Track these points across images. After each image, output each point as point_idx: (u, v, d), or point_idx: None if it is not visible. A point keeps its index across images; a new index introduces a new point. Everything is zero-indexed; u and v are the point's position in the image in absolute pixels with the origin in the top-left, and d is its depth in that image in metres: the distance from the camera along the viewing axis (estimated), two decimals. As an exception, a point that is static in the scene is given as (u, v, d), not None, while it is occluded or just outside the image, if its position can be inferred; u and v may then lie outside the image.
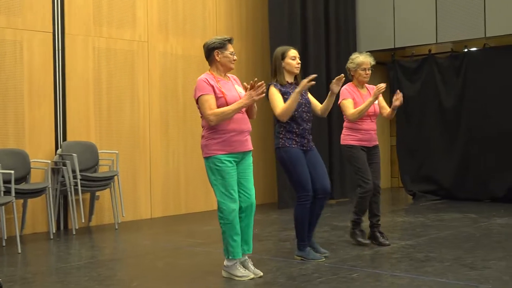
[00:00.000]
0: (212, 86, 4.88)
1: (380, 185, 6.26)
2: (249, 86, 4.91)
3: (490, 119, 9.52)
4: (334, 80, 5.73)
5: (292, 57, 5.60)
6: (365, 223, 6.33)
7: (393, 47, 10.29)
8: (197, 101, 4.93)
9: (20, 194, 6.72)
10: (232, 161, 4.93)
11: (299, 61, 5.65)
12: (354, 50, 10.57)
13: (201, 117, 5.00)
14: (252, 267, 5.05)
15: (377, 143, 6.34)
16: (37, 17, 7.53)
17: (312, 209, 5.58)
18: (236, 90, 5.02)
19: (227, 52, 4.99)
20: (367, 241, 6.25)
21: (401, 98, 6.27)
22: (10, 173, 6.50)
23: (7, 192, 6.53)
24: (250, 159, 5.07)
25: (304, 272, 5.11)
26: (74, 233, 7.32)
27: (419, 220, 7.87)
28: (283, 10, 9.55)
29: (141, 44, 8.51)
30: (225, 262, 5.01)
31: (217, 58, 4.98)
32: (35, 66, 7.50)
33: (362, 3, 10.64)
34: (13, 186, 6.50)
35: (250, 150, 5.06)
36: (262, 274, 5.00)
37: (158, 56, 8.70)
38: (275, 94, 5.47)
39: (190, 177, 8.91)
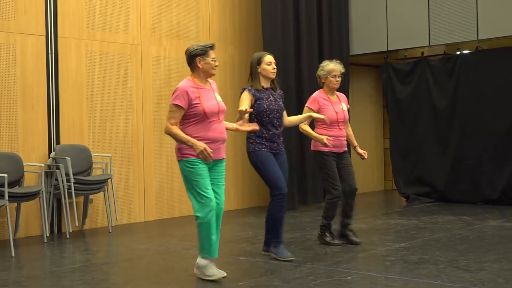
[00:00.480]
0: (189, 100, 4.95)
1: (356, 187, 6.44)
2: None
3: (483, 121, 9.56)
4: (316, 117, 6.04)
5: (268, 63, 5.74)
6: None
7: (386, 49, 10.32)
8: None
9: (13, 197, 6.69)
10: (204, 167, 5.02)
11: (275, 67, 5.78)
12: (347, 53, 10.62)
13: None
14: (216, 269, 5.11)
15: (346, 148, 6.53)
16: (30, 20, 7.51)
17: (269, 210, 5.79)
18: (216, 99, 5.10)
19: (209, 59, 5.07)
20: (339, 242, 6.41)
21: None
22: (4, 177, 6.47)
23: (0, 195, 6.50)
24: (222, 167, 5.17)
25: (298, 275, 5.12)
26: (68, 236, 7.30)
27: (412, 223, 7.89)
28: (276, 14, 9.56)
29: (134, 47, 8.50)
30: (198, 260, 5.08)
31: (199, 64, 5.06)
32: (28, 69, 7.49)
33: (355, 6, 10.68)
34: (6, 189, 6.47)
35: (223, 159, 5.15)
36: (225, 274, 5.07)
37: (152, 60, 8.69)
38: (244, 101, 5.64)
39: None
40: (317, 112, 6.29)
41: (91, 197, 7.90)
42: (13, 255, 6.26)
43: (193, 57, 5.07)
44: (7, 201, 6.44)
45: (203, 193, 4.94)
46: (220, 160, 5.12)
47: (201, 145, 4.83)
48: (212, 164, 5.04)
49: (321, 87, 6.57)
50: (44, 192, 7.08)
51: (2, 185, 6.48)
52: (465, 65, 9.77)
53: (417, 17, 9.90)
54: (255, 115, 5.70)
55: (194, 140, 4.86)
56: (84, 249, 6.83)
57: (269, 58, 5.77)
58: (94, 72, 8.08)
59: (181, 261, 5.98)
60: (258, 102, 5.67)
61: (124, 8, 8.41)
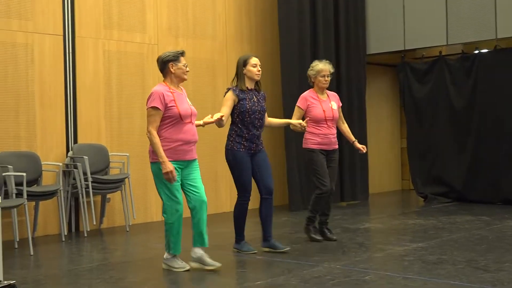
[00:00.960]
0: (165, 102, 5.24)
1: (334, 188, 6.65)
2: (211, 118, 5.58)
3: (501, 120, 9.47)
4: (298, 125, 6.18)
5: (253, 65, 5.97)
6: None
7: (403, 49, 10.26)
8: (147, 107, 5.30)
9: (32, 196, 6.74)
10: (177, 168, 5.30)
11: (260, 69, 6.01)
12: (364, 52, 10.57)
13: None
14: (209, 260, 5.39)
15: (337, 147, 6.70)
16: (48, 20, 7.56)
17: (260, 210, 6.12)
18: (188, 103, 5.42)
19: (180, 64, 5.40)
20: (320, 238, 6.64)
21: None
22: (22, 176, 6.52)
23: (19, 194, 6.56)
24: (195, 166, 5.48)
25: (316, 274, 5.10)
26: (85, 235, 7.34)
27: (430, 223, 7.84)
28: (292, 12, 9.54)
29: (151, 47, 8.52)
30: (165, 255, 5.43)
31: (171, 69, 5.38)
32: (46, 69, 7.53)
33: (371, 5, 10.62)
34: (25, 188, 6.52)
35: (195, 159, 5.46)
36: (220, 265, 5.35)
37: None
38: (227, 101, 5.91)
39: (205, 179, 8.88)
40: (305, 110, 6.58)
41: (108, 196, 7.93)
42: (32, 253, 6.30)
43: (165, 63, 5.38)
44: (26, 200, 6.48)
45: (172, 197, 5.30)
46: (193, 161, 5.44)
47: (169, 166, 5.17)
48: (186, 165, 5.37)
49: (312, 87, 6.77)
50: (62, 191, 7.12)
51: (21, 184, 6.53)
52: (483, 64, 9.69)
53: (434, 16, 9.83)
54: (237, 114, 5.93)
55: (166, 159, 5.18)
56: (102, 248, 6.86)
57: (255, 60, 5.99)
58: (111, 72, 8.11)
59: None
60: (241, 102, 5.90)
61: (141, 8, 8.43)
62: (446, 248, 6.12)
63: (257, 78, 6.00)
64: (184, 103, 5.36)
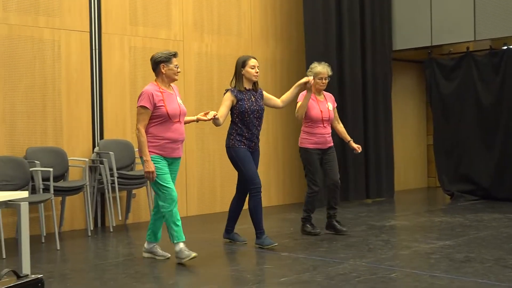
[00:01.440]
0: (154, 102, 5.46)
1: (339, 180, 6.81)
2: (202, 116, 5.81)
3: (530, 117, 9.33)
4: (304, 84, 6.37)
5: (252, 66, 6.15)
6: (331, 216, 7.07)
7: (430, 44, 10.15)
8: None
9: (58, 191, 6.81)
10: (165, 162, 5.58)
11: (258, 70, 6.18)
12: (390, 48, 10.48)
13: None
14: (160, 251, 5.81)
15: (332, 144, 6.90)
16: (75, 17, 7.61)
17: (240, 204, 6.45)
18: (177, 102, 5.62)
19: (171, 65, 5.58)
20: (318, 230, 6.83)
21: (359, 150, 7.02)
22: (49, 171, 6.58)
23: (46, 189, 6.62)
24: (178, 165, 5.75)
25: (341, 271, 5.07)
26: (111, 230, 7.38)
27: (457, 220, 7.75)
28: (318, 10, 9.49)
29: (176, 43, 8.54)
30: (176, 248, 5.53)
31: (162, 70, 5.57)
32: (72, 65, 7.59)
33: (398, 1, 10.52)
34: (52, 183, 6.59)
35: (180, 157, 5.71)
36: (169, 255, 5.73)
37: (193, 56, 8.72)
38: (226, 101, 6.11)
39: (225, 176, 8.92)
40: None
41: (134, 191, 7.97)
42: (58, 248, 6.36)
43: (157, 64, 5.57)
44: (53, 195, 6.55)
45: (166, 185, 5.49)
46: (178, 158, 5.69)
47: (151, 166, 5.42)
48: (170, 162, 5.61)
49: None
50: (88, 186, 7.17)
51: (48, 179, 6.59)
52: (512, 60, 9.55)
53: (462, 11, 9.71)
54: (236, 114, 6.14)
55: (149, 159, 5.43)
56: (127, 243, 6.90)
57: (253, 61, 6.16)
58: (136, 68, 8.14)
59: (223, 255, 5.99)
60: (240, 102, 6.10)
61: (166, 4, 8.45)
62: (473, 246, 6.05)
63: (255, 79, 6.18)
64: (173, 103, 5.55)
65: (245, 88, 6.17)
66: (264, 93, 6.39)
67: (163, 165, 5.53)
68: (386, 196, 10.29)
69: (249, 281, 4.94)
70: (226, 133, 6.31)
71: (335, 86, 9.59)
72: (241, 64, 6.17)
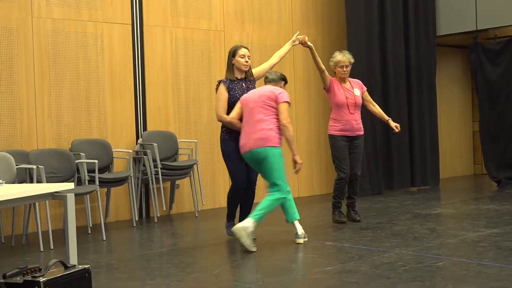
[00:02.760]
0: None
1: (359, 173, 6.90)
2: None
3: None
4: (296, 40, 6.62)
5: (241, 55, 6.11)
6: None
7: (475, 29, 9.92)
8: (278, 100, 5.76)
9: (103, 183, 6.90)
10: None
11: (248, 60, 6.13)
12: (434, 33, 10.29)
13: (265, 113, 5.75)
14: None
15: (361, 133, 6.89)
16: (117, 9, 7.67)
17: (245, 197, 6.21)
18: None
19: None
20: (345, 219, 6.88)
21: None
22: (94, 163, 6.67)
23: (92, 181, 6.71)
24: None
25: (387, 260, 5.01)
26: (155, 221, 7.45)
27: (505, 208, 7.59)
28: (360, -5, 9.36)
29: (217, 33, 8.54)
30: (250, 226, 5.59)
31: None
32: (115, 58, 7.66)
33: (441, -15, 10.31)
34: (97, 175, 6.67)
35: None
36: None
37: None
38: (221, 95, 6.05)
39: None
40: (327, 92, 6.87)
41: (177, 182, 8.03)
42: (104, 238, 6.45)
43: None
44: (98, 187, 6.63)
45: (284, 176, 5.74)
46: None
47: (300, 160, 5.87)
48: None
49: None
50: (132, 177, 7.24)
51: (93, 171, 6.68)
52: (561, 43, 9.28)
53: (508, -7, 9.46)
54: (229, 105, 6.03)
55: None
56: (172, 233, 6.96)
57: (243, 51, 6.12)
58: (178, 59, 8.17)
59: (266, 246, 5.98)
60: (230, 92, 6.04)
61: (207, -5, 8.45)
62: (522, 234, 5.91)
63: (244, 69, 6.12)
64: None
65: (236, 77, 6.13)
66: (253, 70, 6.30)
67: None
68: (432, 184, 10.13)
69: (294, 270, 4.92)
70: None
71: (378, 73, 9.47)
72: (232, 53, 6.14)
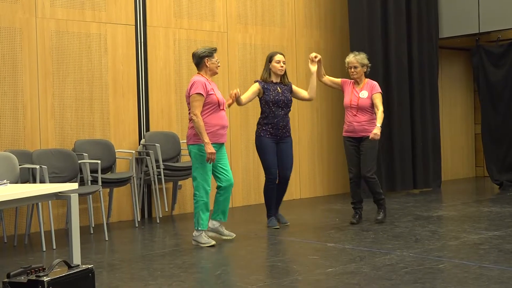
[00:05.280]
0: (206, 90, 5.88)
1: (368, 174, 6.88)
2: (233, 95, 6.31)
3: None
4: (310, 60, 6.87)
5: (277, 61, 6.68)
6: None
7: (477, 31, 9.93)
8: (189, 96, 5.91)
9: (106, 183, 6.92)
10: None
11: (283, 65, 6.68)
12: (437, 36, 10.30)
13: (190, 112, 5.92)
14: (225, 231, 6.22)
15: (366, 134, 6.88)
16: (120, 10, 7.70)
17: (276, 190, 6.75)
18: (219, 92, 6.10)
19: (214, 60, 6.03)
20: (354, 221, 6.95)
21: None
22: (97, 163, 6.69)
23: (94, 181, 6.74)
24: (224, 149, 6.14)
25: (388, 262, 5.03)
26: (158, 221, 7.48)
27: (507, 210, 7.60)
28: (362, -3, 9.38)
29: (220, 34, 8.57)
30: (194, 233, 5.98)
31: (207, 64, 6.00)
32: (118, 58, 7.68)
33: (444, -12, 10.32)
34: (99, 175, 6.70)
35: (224, 143, 6.12)
36: (235, 235, 6.19)
37: (237, 47, 8.73)
38: (251, 88, 6.68)
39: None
40: (342, 89, 7.08)
41: (180, 183, 8.05)
42: (107, 238, 6.47)
43: (202, 58, 5.99)
44: (101, 187, 6.66)
45: (207, 177, 5.93)
46: (223, 144, 6.12)
47: (212, 148, 5.82)
48: (218, 148, 6.01)
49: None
50: (135, 178, 7.26)
51: (96, 171, 6.70)
52: None
53: (511, -4, 9.47)
54: (263, 104, 6.66)
55: (209, 141, 5.82)
56: (174, 234, 6.98)
57: (279, 57, 6.68)
58: (181, 60, 8.20)
59: (268, 246, 6.01)
60: (265, 93, 6.61)
61: (210, -4, 8.47)
62: (524, 236, 5.92)
63: (279, 73, 6.66)
64: (218, 93, 6.04)
65: (271, 81, 6.68)
66: (294, 86, 6.85)
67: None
68: (433, 186, 10.14)
69: (295, 271, 4.94)
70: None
71: (381, 75, 9.48)
72: (269, 59, 6.72)
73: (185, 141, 8.03)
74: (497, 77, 10.04)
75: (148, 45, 7.92)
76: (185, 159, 8.06)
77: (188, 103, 5.96)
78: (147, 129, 7.88)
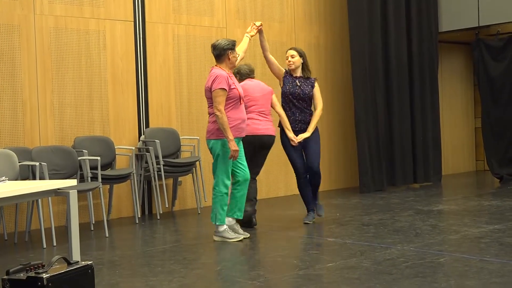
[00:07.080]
0: (229, 84, 5.75)
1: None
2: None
3: None
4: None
5: (286, 57, 6.71)
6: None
7: (477, 25, 9.91)
8: (210, 89, 5.77)
9: (106, 180, 6.91)
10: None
11: (290, 59, 6.65)
12: (436, 30, 10.28)
13: (210, 105, 5.83)
14: (240, 230, 6.00)
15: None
16: (119, 6, 7.68)
17: (308, 183, 6.68)
18: (240, 86, 6.00)
19: (235, 53, 5.96)
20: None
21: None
22: (97, 160, 6.69)
23: (94, 178, 6.73)
24: (241, 143, 6.02)
25: (389, 256, 5.02)
26: (158, 217, 7.47)
27: (507, 204, 7.60)
28: (362, -8, 9.35)
29: (219, 30, 8.55)
30: (218, 229, 5.90)
31: (230, 56, 5.88)
32: (117, 55, 7.67)
33: (444, -20, 10.29)
34: (99, 172, 6.69)
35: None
36: (249, 235, 5.98)
37: (237, 42, 8.68)
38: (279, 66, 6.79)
39: (270, 162, 8.88)
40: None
41: (180, 179, 8.04)
42: (107, 235, 6.46)
43: (225, 50, 5.86)
44: (101, 183, 6.65)
45: (227, 172, 5.86)
46: (241, 138, 5.98)
47: (236, 147, 5.73)
48: (238, 141, 5.88)
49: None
50: (135, 174, 7.26)
51: (96, 168, 6.69)
52: None
53: (510, -10, 9.44)
54: (282, 96, 6.68)
55: (233, 139, 5.71)
56: (174, 230, 6.97)
57: (288, 52, 6.72)
58: (180, 56, 8.18)
59: (269, 241, 6.00)
60: (284, 84, 6.65)
61: (209, -8, 8.45)
62: (524, 230, 5.92)
63: (289, 67, 6.66)
64: (239, 86, 5.94)
65: (291, 74, 6.68)
66: (316, 85, 6.70)
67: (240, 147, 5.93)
68: (434, 180, 10.13)
69: (296, 266, 4.93)
70: None
71: (380, 69, 9.46)
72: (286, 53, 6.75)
73: (186, 137, 8.08)
74: (497, 71, 10.02)
75: (147, 41, 7.90)
76: (185, 155, 8.05)
77: (209, 97, 5.84)
78: (147, 125, 7.87)
